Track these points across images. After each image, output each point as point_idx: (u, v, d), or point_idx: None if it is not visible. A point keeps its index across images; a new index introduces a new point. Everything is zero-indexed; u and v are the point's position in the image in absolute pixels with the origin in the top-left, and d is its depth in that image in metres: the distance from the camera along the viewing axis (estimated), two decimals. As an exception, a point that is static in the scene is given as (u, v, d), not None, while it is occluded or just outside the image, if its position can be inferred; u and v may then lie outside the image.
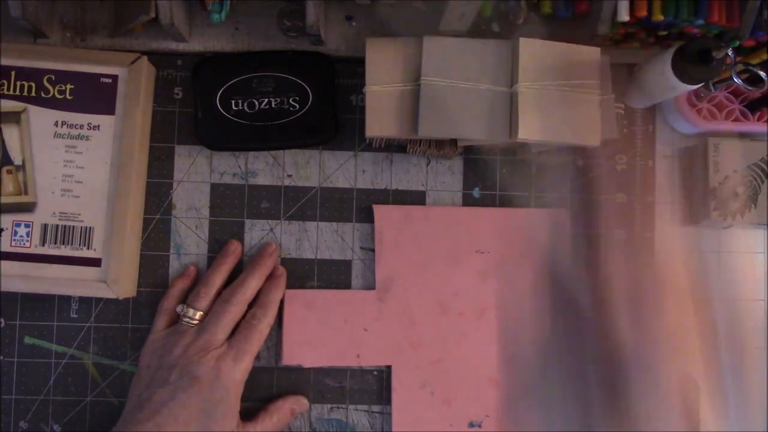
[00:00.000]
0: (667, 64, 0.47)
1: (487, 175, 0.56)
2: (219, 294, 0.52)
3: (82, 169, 0.52)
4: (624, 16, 0.48)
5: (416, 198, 0.56)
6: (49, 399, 0.53)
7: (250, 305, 0.52)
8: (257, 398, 0.54)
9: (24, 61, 0.52)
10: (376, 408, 0.55)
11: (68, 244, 0.51)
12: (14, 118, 0.51)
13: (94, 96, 0.52)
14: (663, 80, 0.48)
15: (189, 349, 0.49)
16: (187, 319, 0.51)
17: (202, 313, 0.51)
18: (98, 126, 0.52)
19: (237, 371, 0.49)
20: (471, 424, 0.54)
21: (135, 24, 0.51)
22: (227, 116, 0.54)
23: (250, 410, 0.52)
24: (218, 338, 0.50)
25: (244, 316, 0.52)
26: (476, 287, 0.55)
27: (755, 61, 0.51)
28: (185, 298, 0.53)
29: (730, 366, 0.50)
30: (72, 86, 0.52)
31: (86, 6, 0.54)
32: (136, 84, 0.52)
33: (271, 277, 0.54)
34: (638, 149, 0.57)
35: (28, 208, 0.51)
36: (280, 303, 0.54)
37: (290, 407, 0.53)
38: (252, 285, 0.52)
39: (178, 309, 0.52)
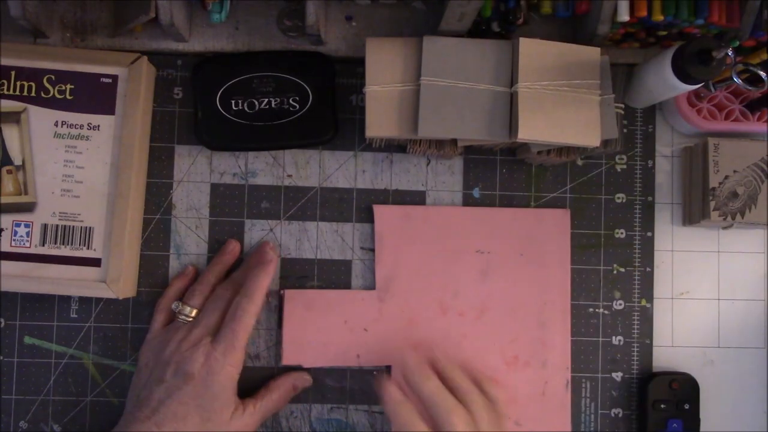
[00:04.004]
0: (667, 64, 0.47)
1: (487, 175, 0.56)
2: None
3: (82, 169, 0.52)
4: (624, 16, 0.48)
5: (416, 198, 0.56)
6: (49, 399, 0.53)
7: None
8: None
9: (24, 61, 0.52)
10: (376, 408, 0.55)
11: (68, 244, 0.51)
12: (14, 118, 0.51)
13: (94, 96, 0.52)
14: (663, 80, 0.48)
15: (182, 345, 0.49)
16: (182, 317, 0.51)
17: (197, 310, 0.51)
18: (98, 126, 0.52)
19: (227, 365, 0.48)
20: (471, 424, 0.54)
21: (135, 24, 0.51)
22: (227, 116, 0.54)
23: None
24: (209, 333, 0.50)
25: None
26: (476, 287, 0.55)
27: (755, 61, 0.51)
28: (182, 297, 0.53)
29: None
30: (72, 86, 0.52)
31: (86, 6, 0.54)
32: (136, 84, 0.52)
33: (259, 262, 0.52)
34: (638, 149, 0.57)
35: (28, 208, 0.51)
36: (280, 303, 0.54)
37: (293, 383, 0.53)
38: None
39: (174, 306, 0.52)
